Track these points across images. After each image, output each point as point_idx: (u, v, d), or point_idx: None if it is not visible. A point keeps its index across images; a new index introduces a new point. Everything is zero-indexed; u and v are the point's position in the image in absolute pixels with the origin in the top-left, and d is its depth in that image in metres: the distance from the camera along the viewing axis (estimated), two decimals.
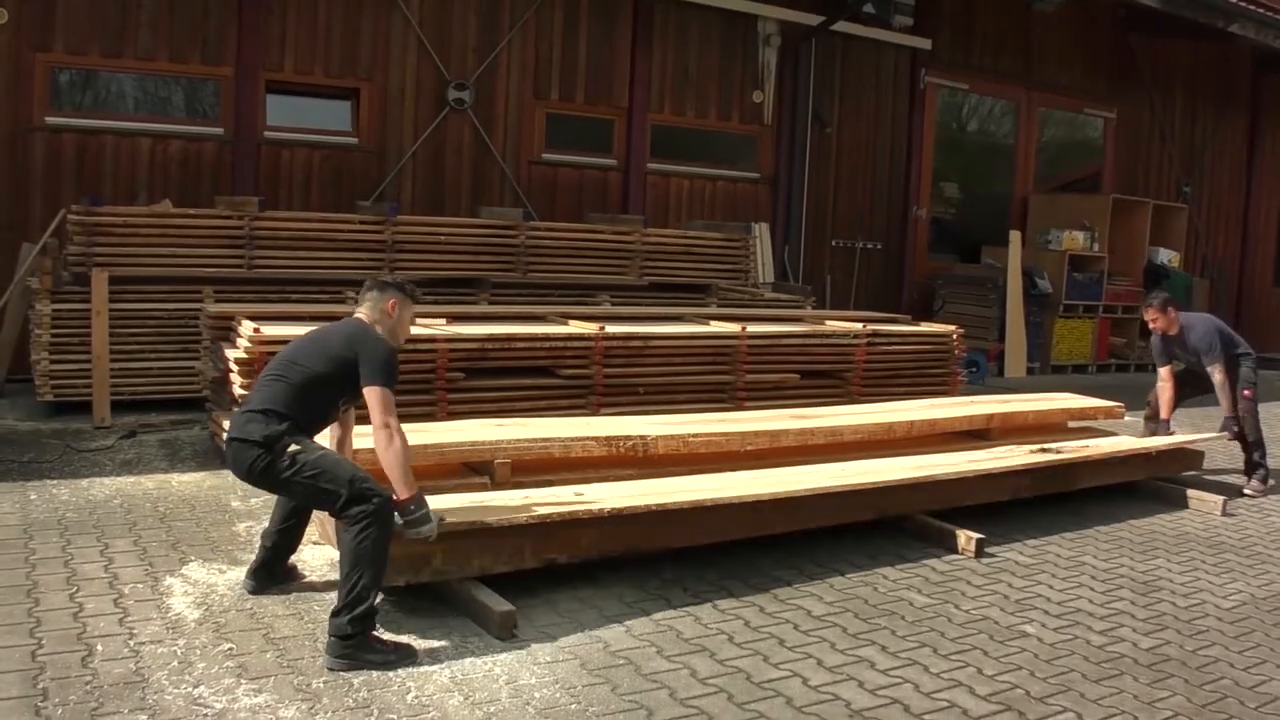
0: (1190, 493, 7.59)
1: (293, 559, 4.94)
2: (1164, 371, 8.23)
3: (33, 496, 6.04)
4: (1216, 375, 7.96)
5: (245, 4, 10.03)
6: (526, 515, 4.89)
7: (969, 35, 15.12)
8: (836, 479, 6.17)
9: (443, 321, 7.48)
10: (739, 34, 13.04)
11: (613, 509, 5.10)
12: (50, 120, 9.39)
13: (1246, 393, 8.08)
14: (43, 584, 4.68)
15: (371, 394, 4.32)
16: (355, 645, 4.03)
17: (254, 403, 4.37)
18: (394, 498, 4.25)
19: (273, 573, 4.82)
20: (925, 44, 14.46)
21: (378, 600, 4.17)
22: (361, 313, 4.62)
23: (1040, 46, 15.87)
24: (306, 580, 4.92)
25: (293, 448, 4.24)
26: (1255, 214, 19.50)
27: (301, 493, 4.38)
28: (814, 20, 13.21)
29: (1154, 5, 14.18)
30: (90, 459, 6.93)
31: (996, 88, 15.78)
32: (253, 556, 4.89)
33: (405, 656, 4.12)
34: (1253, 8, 15.70)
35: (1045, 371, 14.38)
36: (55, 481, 6.35)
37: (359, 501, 4.14)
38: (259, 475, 4.32)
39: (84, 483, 6.36)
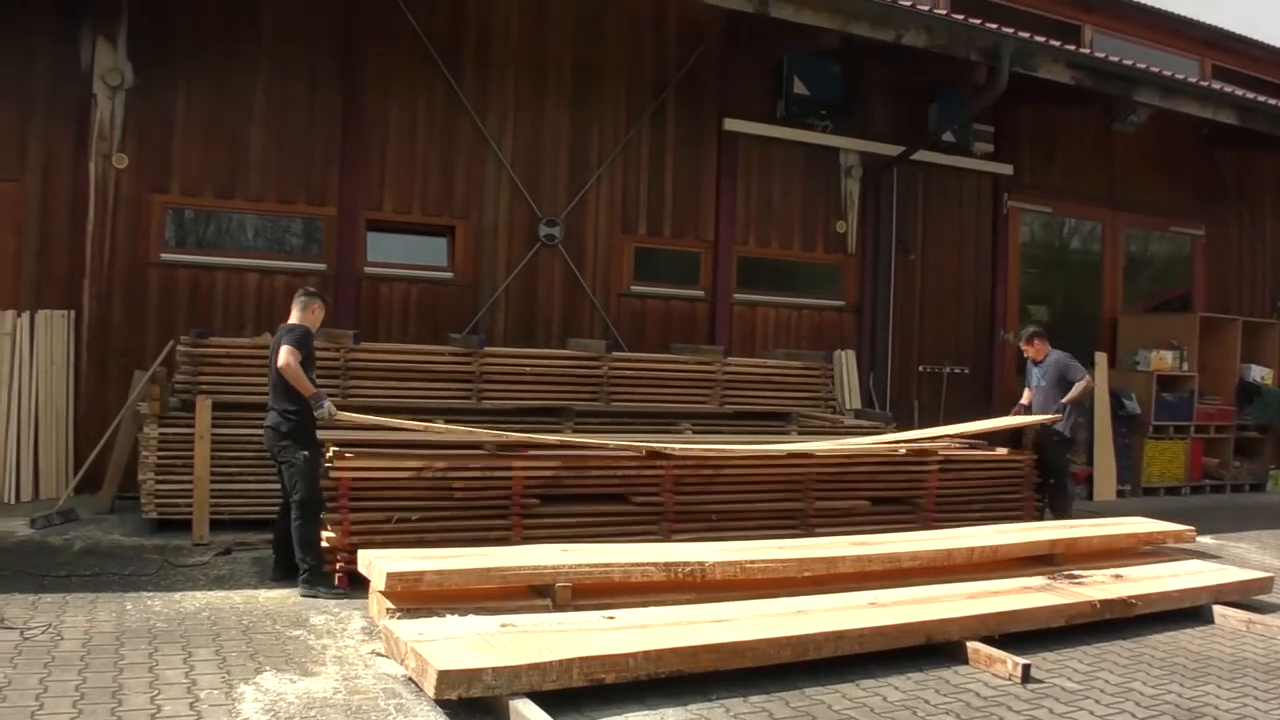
0: (1253, 617, 7.51)
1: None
2: (1025, 397, 10.95)
3: (129, 607, 6.54)
4: (1082, 383, 10.51)
5: (347, 147, 10.79)
6: (574, 637, 5.19)
7: (1050, 159, 15.28)
8: (882, 616, 6.31)
9: None
10: (821, 166, 13.44)
11: (654, 649, 5.43)
12: (165, 256, 10.17)
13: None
14: (127, 687, 5.12)
15: (281, 350, 6.92)
16: (307, 583, 6.90)
17: (274, 402, 7.14)
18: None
19: (288, 566, 7.17)
20: (1006, 169, 14.68)
21: (317, 562, 6.95)
22: (294, 317, 7.28)
23: (1123, 166, 15.90)
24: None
25: (304, 453, 6.98)
26: None
27: (287, 476, 7.07)
28: (894, 150, 13.58)
29: (1233, 122, 14.25)
30: (186, 574, 7.44)
31: (1080, 209, 15.82)
32: (324, 669, 5.56)
33: (330, 592, 6.91)
34: None
35: (1136, 494, 14.19)
36: (151, 593, 6.85)
37: (302, 506, 6.93)
38: (277, 451, 7.10)
39: (177, 595, 6.84)
